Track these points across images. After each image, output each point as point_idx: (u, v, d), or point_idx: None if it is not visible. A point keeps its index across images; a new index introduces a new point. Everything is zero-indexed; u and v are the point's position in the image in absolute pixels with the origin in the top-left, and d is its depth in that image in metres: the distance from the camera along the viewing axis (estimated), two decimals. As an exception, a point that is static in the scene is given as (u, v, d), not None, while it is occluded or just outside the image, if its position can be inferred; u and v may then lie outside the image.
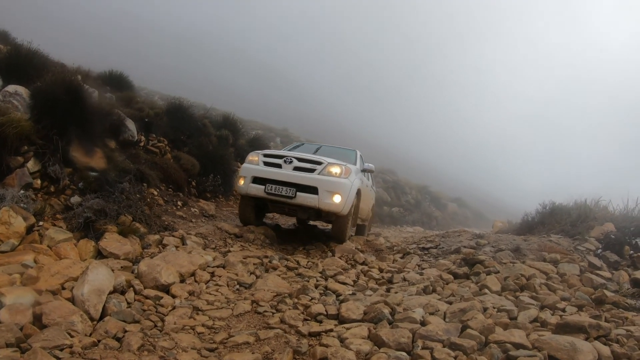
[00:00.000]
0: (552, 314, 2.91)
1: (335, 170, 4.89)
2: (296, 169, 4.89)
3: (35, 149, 3.57)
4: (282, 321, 2.60)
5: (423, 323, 2.65)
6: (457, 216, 20.69)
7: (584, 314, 2.96)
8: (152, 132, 5.90)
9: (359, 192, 5.43)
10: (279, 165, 4.98)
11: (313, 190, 4.76)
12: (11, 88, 3.78)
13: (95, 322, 2.31)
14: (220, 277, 3.36)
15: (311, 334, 2.45)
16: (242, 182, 5.07)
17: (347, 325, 2.57)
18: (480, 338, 2.34)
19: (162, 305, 2.66)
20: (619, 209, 5.91)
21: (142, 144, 5.57)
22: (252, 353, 2.12)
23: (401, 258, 4.94)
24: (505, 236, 5.47)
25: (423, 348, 2.24)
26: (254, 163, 5.20)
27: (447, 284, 3.76)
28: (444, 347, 2.26)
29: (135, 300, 2.65)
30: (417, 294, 3.37)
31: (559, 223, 5.68)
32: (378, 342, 2.30)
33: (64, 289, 2.48)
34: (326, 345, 2.23)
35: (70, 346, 2.00)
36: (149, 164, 5.19)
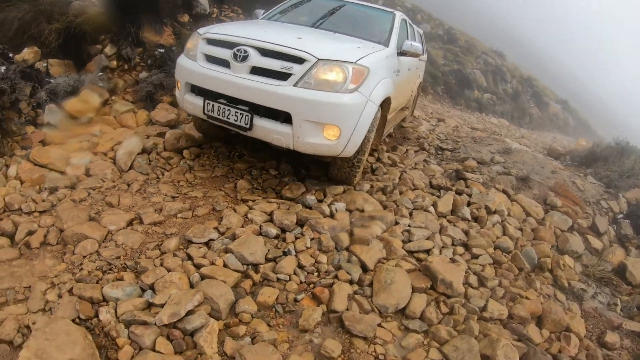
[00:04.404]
0: (454, 255, 2.94)
1: (332, 75, 2.59)
2: (256, 70, 2.68)
3: (111, 36, 4.44)
4: (235, 187, 3.29)
5: (332, 216, 2.98)
6: (557, 120, 17.08)
7: (488, 270, 2.85)
8: (225, 3, 6.20)
9: (387, 99, 3.22)
10: (226, 63, 2.78)
11: (283, 117, 2.67)
12: (87, -16, 4.50)
13: (122, 173, 3.43)
14: (229, 144, 4.11)
15: (244, 200, 3.12)
16: (178, 87, 3.16)
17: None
18: (344, 244, 2.67)
19: (169, 164, 3.63)
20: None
21: (214, 15, 6.01)
22: (184, 203, 2.93)
23: (415, 152, 4.76)
24: (542, 159, 4.71)
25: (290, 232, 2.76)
26: (191, 55, 3.04)
27: (412, 190, 3.72)
28: (309, 238, 2.69)
29: (155, 159, 3.67)
30: (368, 191, 3.48)
31: (613, 166, 4.62)
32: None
33: (112, 150, 3.61)
34: (237, 211, 2.95)
35: (100, 187, 3.15)
36: (215, 35, 5.67)
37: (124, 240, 2.49)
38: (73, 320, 1.88)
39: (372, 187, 3.64)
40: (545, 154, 5.78)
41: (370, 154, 4.43)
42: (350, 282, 2.42)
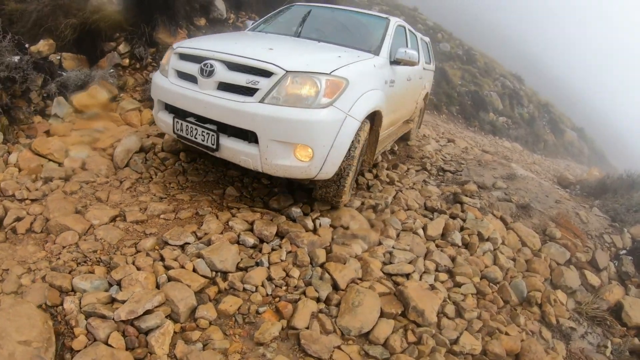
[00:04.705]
0: (435, 281, 2.98)
1: (302, 89, 2.49)
2: (223, 86, 2.64)
3: (126, 35, 4.74)
4: (223, 194, 3.46)
5: (314, 230, 3.08)
6: (572, 148, 17.45)
7: (469, 300, 2.86)
8: (242, 9, 6.50)
9: (377, 113, 3.13)
10: (194, 79, 2.76)
11: (249, 136, 2.60)
12: (109, -16, 4.86)
13: (117, 170, 3.65)
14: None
15: (229, 207, 3.30)
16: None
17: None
18: (319, 260, 2.77)
19: (164, 165, 3.83)
20: None
21: (231, 20, 6.30)
22: (169, 205, 3.10)
23: (416, 172, 4.84)
24: (548, 187, 4.73)
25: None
26: (164, 71, 3.07)
27: (405, 210, 3.78)
28: (285, 251, 2.83)
29: (151, 158, 3.88)
30: (358, 208, 3.56)
31: (621, 199, 4.58)
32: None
33: (112, 147, 3.85)
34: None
35: (94, 182, 3.38)
36: (230, 40, 5.97)
37: (103, 235, 2.68)
38: (40, 306, 2.05)
39: (363, 204, 3.73)
40: (556, 182, 5.82)
41: (369, 171, 4.52)
42: (318, 299, 2.51)
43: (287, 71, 2.51)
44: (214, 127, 2.70)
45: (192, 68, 2.79)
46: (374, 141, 3.48)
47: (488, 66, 18.20)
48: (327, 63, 2.71)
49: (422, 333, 2.48)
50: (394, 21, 3.96)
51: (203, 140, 2.74)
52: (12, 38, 3.55)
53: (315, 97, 2.50)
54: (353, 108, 2.70)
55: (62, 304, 2.09)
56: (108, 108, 4.32)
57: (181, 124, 2.83)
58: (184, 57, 2.94)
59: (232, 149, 2.66)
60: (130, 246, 2.65)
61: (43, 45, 4.01)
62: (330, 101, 2.56)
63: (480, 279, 3.22)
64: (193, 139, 2.80)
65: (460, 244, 3.52)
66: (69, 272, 2.32)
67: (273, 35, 3.73)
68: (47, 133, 3.80)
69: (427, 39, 5.73)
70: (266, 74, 2.55)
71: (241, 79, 2.59)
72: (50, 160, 3.43)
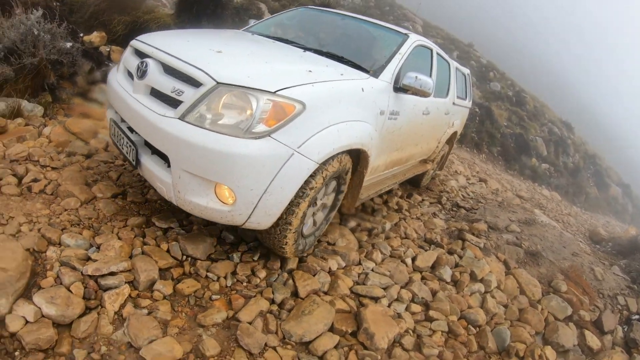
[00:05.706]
0: (405, 310, 3.12)
1: (232, 109, 2.05)
2: (155, 93, 2.36)
3: (173, 37, 5.53)
4: None
5: None
6: (615, 204, 17.30)
7: (436, 337, 2.95)
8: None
9: (359, 154, 2.85)
10: (132, 78, 2.54)
11: (167, 159, 2.23)
12: (170, -10, 5.73)
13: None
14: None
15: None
16: None
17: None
18: (289, 267, 3.09)
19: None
20: None
21: (278, 34, 6.99)
22: None
23: (430, 204, 5.08)
24: (569, 238, 4.71)
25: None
26: (119, 67, 2.93)
27: (402, 238, 4.00)
28: (260, 253, 3.23)
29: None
30: (352, 228, 3.87)
31: None
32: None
33: (135, 132, 4.52)
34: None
35: (112, 163, 3.99)
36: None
37: (102, 207, 3.22)
38: (28, 249, 2.57)
39: (358, 225, 4.01)
40: (587, 236, 5.74)
41: (379, 197, 4.79)
42: (272, 301, 2.82)
43: (217, 82, 2.06)
44: (139, 140, 2.45)
45: (133, 65, 2.55)
46: (356, 184, 3.12)
47: (537, 110, 18.71)
48: (280, 78, 2.19)
49: (365, 356, 2.64)
50: (414, 39, 3.50)
51: (127, 153, 2.54)
52: (68, 26, 4.39)
53: (249, 121, 2.03)
54: (308, 143, 2.19)
55: (46, 252, 2.61)
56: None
57: (114, 128, 2.66)
58: (136, 52, 2.70)
59: (150, 171, 2.36)
60: (121, 220, 3.15)
61: (95, 37, 4.85)
62: (268, 130, 2.05)
63: (459, 318, 3.28)
64: (121, 148, 2.62)
65: (448, 280, 3.62)
66: (62, 230, 2.86)
67: (256, 37, 3.41)
68: (84, 115, 4.55)
69: (466, 71, 5.55)
70: (195, 83, 2.15)
71: (168, 85, 2.24)
72: (78, 138, 4.13)
